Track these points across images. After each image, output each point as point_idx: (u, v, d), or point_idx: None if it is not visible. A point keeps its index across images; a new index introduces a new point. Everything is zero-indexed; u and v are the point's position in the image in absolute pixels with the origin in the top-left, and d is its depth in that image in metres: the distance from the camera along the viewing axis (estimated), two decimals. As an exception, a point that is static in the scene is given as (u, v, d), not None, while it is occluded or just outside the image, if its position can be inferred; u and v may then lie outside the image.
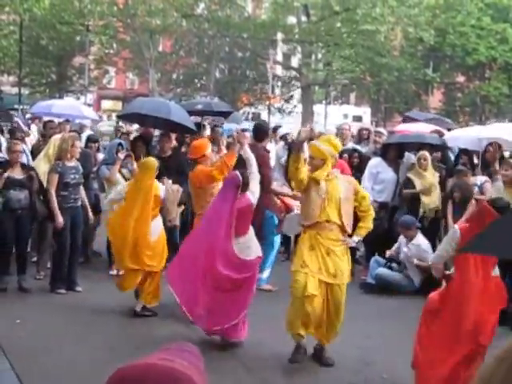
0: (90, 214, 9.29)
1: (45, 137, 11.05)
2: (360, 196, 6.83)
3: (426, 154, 10.30)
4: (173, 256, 7.76)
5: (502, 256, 5.19)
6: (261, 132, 9.71)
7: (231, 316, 6.89)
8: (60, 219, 8.69)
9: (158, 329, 7.46)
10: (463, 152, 11.04)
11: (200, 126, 11.73)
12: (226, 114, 13.31)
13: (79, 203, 9.04)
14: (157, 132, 11.98)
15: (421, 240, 9.69)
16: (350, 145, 11.84)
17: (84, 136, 12.07)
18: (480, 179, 10.10)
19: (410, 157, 10.68)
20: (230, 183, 7.07)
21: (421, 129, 12.75)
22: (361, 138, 12.69)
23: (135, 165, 9.79)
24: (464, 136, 12.00)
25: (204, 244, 6.95)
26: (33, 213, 8.85)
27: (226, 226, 6.89)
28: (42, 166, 9.39)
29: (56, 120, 13.44)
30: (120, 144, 10.28)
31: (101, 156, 11.06)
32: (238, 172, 7.19)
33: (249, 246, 7.15)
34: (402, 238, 9.84)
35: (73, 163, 8.96)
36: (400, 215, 10.17)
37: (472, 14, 40.42)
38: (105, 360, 6.33)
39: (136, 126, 15.25)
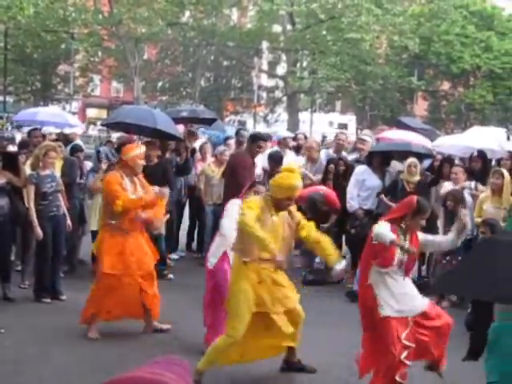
0: (69, 221, 9.10)
1: (28, 145, 10.87)
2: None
3: (416, 161, 10.24)
4: (160, 265, 7.67)
5: (461, 295, 5.18)
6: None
7: None
8: (39, 232, 8.56)
9: (146, 337, 7.40)
10: (447, 160, 11.02)
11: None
12: (211, 121, 13.29)
13: (62, 211, 8.90)
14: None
15: None
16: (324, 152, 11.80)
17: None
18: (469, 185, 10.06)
19: (396, 165, 10.68)
20: None
21: (405, 137, 12.68)
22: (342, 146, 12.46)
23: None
24: (453, 143, 12.06)
25: None
26: (15, 216, 8.69)
27: None
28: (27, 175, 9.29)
29: (43, 128, 13.29)
30: (98, 152, 10.15)
31: (89, 164, 11.01)
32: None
33: None
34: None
35: (48, 171, 8.76)
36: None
37: (456, 22, 40.73)
38: (92, 369, 6.29)
39: (117, 134, 15.08)
